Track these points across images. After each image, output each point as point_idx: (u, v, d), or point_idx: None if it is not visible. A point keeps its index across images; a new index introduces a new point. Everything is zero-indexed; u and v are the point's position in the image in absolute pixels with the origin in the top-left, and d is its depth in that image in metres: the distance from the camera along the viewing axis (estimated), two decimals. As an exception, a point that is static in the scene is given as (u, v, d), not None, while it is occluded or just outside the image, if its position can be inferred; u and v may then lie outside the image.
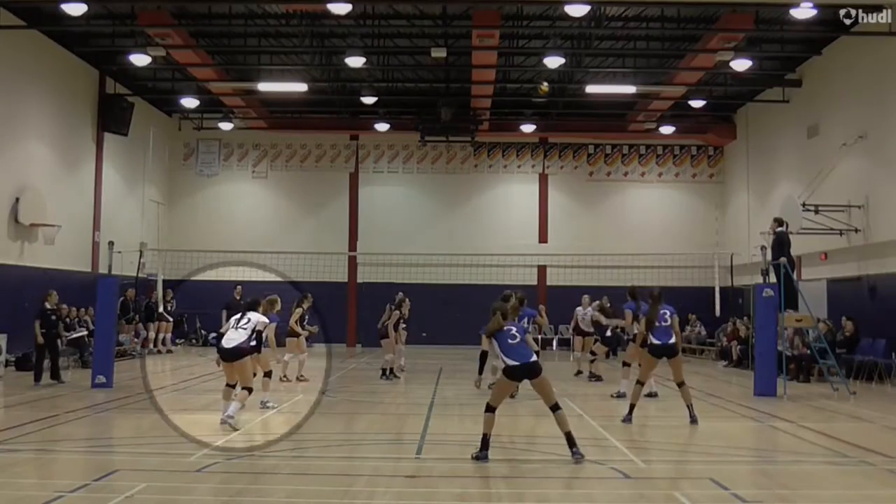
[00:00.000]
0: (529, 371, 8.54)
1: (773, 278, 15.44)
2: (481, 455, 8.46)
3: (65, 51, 21.78)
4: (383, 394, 14.79)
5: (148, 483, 7.27)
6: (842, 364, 16.69)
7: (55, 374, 15.59)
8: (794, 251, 16.39)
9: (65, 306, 19.38)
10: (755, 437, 11.18)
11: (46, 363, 15.61)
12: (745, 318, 21.87)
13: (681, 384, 11.38)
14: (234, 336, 10.64)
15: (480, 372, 9.11)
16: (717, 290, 22.35)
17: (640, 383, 11.56)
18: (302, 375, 16.00)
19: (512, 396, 11.26)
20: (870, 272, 19.05)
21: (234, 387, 10.85)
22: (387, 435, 10.70)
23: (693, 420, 11.15)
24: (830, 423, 11.77)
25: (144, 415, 11.84)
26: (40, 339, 15.45)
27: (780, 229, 16.00)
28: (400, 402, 13.48)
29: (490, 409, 8.63)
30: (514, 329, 8.72)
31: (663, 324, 11.29)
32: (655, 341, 11.26)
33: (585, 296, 18.41)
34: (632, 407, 11.27)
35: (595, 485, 7.87)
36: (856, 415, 12.61)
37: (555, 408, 8.56)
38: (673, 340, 11.25)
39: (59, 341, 16.36)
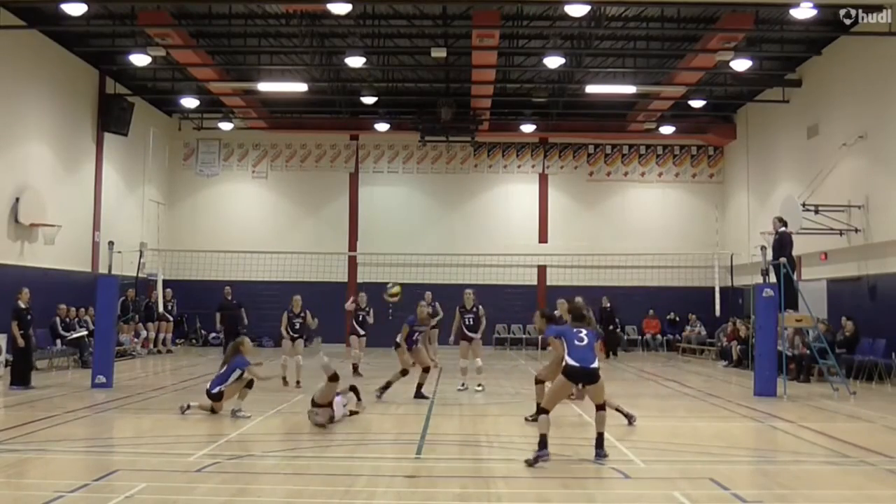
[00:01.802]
0: (588, 376, 8.65)
1: (773, 278, 15.44)
2: (541, 454, 8.29)
3: (65, 51, 21.78)
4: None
5: (148, 483, 7.27)
6: (842, 364, 16.69)
7: (27, 378, 14.58)
8: (794, 251, 16.38)
9: (63, 306, 19.44)
10: (755, 437, 11.17)
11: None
12: (746, 317, 21.86)
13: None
14: None
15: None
16: (716, 290, 22.33)
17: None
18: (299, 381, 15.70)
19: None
20: (870, 272, 19.05)
21: None
22: (387, 435, 10.69)
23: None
24: (830, 423, 11.76)
25: (144, 415, 11.85)
26: (20, 342, 14.56)
27: (782, 229, 15.97)
28: (400, 402, 13.47)
29: (544, 411, 8.66)
30: (583, 332, 8.85)
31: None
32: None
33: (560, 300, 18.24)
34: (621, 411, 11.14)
35: (595, 485, 7.88)
36: (856, 415, 12.60)
37: (599, 407, 8.73)
38: None
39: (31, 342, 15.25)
